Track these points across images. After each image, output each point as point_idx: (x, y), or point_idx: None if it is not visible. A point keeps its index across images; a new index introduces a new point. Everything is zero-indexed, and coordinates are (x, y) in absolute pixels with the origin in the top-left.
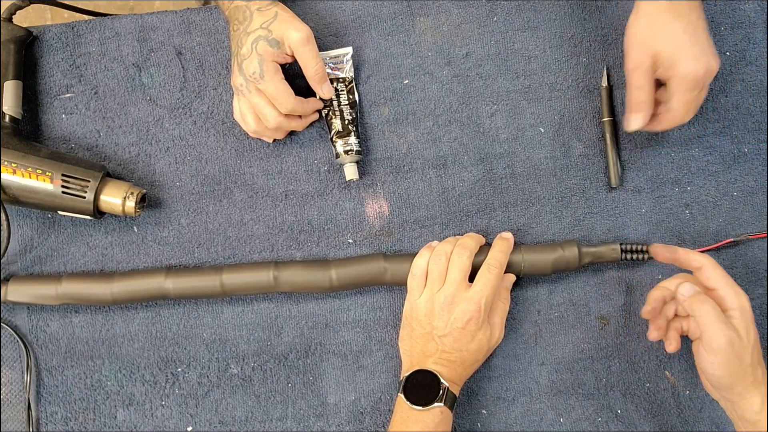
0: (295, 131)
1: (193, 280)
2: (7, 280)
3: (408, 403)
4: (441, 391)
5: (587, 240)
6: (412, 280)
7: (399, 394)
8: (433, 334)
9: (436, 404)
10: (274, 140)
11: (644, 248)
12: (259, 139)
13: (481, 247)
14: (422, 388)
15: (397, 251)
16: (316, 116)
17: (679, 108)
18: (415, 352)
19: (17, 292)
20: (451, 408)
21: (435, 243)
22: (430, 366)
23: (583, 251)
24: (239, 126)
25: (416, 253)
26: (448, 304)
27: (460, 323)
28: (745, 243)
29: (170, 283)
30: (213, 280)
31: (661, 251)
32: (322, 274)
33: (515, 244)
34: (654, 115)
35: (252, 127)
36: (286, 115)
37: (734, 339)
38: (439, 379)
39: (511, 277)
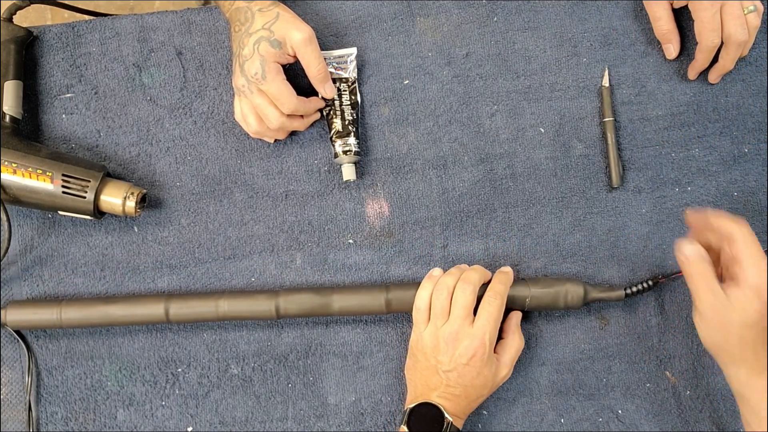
0: (296, 131)
1: (192, 305)
2: (6, 306)
3: None
4: (445, 425)
5: (588, 241)
6: (416, 313)
7: (402, 426)
8: (438, 369)
9: None
10: (276, 140)
11: (648, 283)
12: (260, 140)
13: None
14: (426, 421)
15: (397, 252)
16: (318, 116)
17: (702, 31)
18: (419, 384)
19: (16, 317)
20: None
21: (437, 271)
22: (434, 399)
23: (589, 296)
24: (240, 127)
25: (417, 283)
26: (453, 340)
27: (465, 359)
28: None
29: (171, 308)
30: (211, 306)
31: (692, 218)
32: (322, 303)
33: (522, 278)
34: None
35: (254, 127)
36: (288, 115)
37: (719, 310)
38: (443, 413)
39: (518, 315)
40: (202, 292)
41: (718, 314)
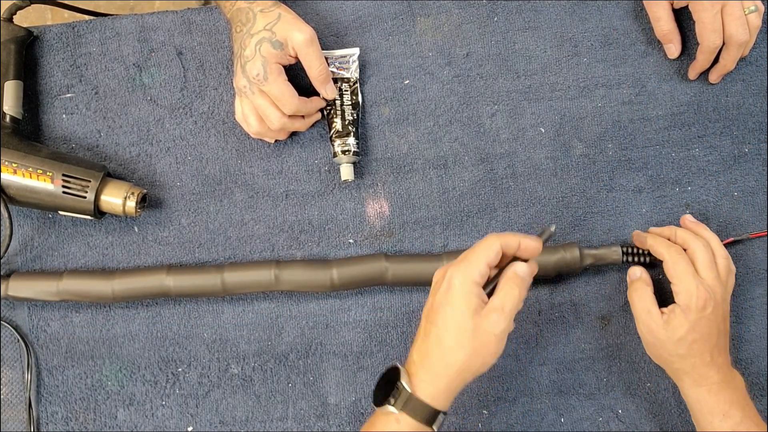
0: (297, 131)
1: (194, 278)
2: (8, 276)
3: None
4: (396, 389)
5: (588, 241)
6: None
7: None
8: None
9: (388, 406)
10: (276, 140)
11: (646, 252)
12: (261, 140)
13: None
14: (382, 384)
15: (398, 252)
16: (319, 116)
17: (703, 32)
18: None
19: (18, 287)
20: (421, 419)
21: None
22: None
23: (584, 253)
24: (241, 127)
25: (416, 253)
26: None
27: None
28: (745, 243)
29: (171, 281)
30: (214, 278)
31: (636, 238)
32: (324, 272)
33: None
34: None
35: (255, 128)
36: (289, 116)
37: (653, 329)
38: (399, 372)
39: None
40: (204, 265)
41: (652, 333)
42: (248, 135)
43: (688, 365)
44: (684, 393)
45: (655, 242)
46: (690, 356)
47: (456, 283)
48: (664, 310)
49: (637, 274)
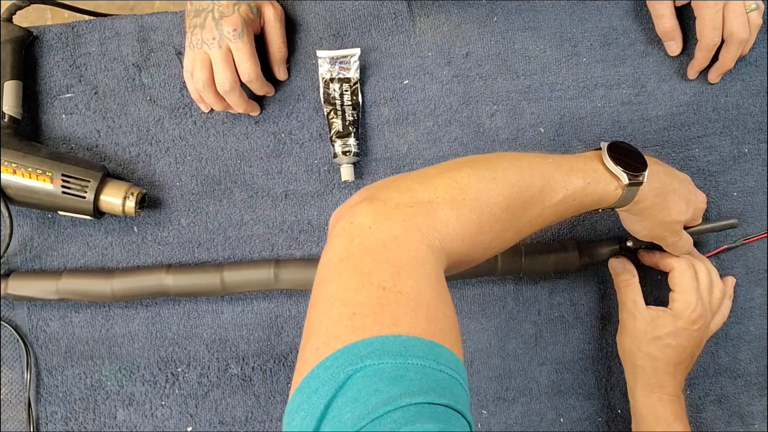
0: (230, 111)
1: (193, 277)
2: (7, 275)
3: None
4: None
5: (588, 240)
6: None
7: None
8: None
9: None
10: (211, 111)
11: (643, 248)
12: (212, 116)
13: None
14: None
15: None
16: (258, 111)
17: (704, 29)
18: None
19: (17, 286)
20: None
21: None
22: None
23: (583, 248)
24: (188, 85)
25: None
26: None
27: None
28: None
29: (170, 280)
30: (213, 277)
31: (643, 256)
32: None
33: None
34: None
35: (200, 83)
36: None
37: (635, 318)
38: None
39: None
40: (203, 265)
41: (633, 321)
42: (247, 134)
43: (651, 367)
44: (633, 396)
45: (651, 257)
46: (657, 359)
47: None
48: (653, 308)
49: (617, 264)
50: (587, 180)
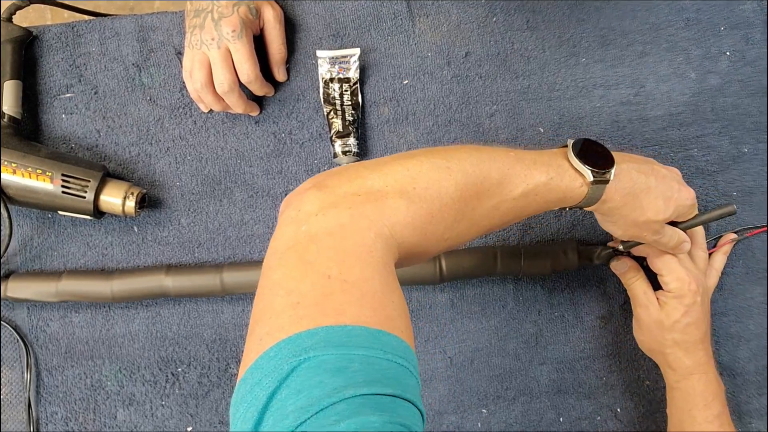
0: (229, 111)
1: (193, 278)
2: (7, 276)
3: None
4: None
5: (587, 240)
6: None
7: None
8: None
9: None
10: (210, 111)
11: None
12: (212, 116)
13: None
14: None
15: None
16: (258, 111)
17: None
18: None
19: (17, 289)
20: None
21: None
22: None
23: (581, 252)
24: (187, 85)
25: None
26: None
27: None
28: (744, 242)
29: (170, 281)
30: (213, 277)
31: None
32: None
33: (515, 245)
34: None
35: (199, 83)
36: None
37: (651, 313)
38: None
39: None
40: (203, 265)
41: (649, 314)
42: (247, 134)
43: (681, 351)
44: (672, 384)
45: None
46: (684, 341)
47: None
48: (659, 293)
49: (620, 264)
50: (550, 175)
